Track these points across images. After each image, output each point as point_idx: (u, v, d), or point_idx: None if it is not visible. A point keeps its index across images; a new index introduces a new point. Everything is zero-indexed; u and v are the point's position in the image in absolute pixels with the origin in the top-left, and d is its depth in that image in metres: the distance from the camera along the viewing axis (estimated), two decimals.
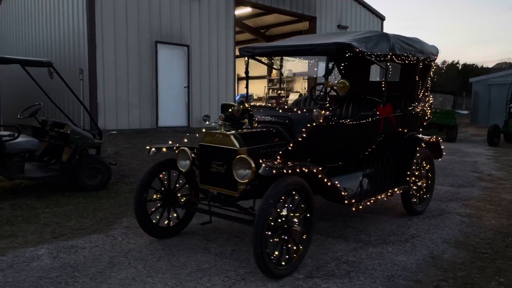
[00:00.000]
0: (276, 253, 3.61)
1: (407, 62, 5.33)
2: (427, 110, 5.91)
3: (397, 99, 5.78)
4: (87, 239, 4.63)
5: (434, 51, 5.83)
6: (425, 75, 5.81)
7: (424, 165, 5.78)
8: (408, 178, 5.27)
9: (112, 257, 4.12)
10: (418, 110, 5.71)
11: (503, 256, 4.39)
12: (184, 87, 13.17)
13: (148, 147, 4.55)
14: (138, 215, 4.41)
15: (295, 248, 3.81)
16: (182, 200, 4.62)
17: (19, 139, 6.01)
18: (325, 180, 4.01)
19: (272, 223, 3.52)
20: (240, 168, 3.78)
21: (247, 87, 5.23)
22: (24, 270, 3.79)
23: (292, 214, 3.70)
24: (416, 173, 5.63)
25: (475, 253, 4.44)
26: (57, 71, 6.30)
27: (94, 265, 3.92)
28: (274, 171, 3.50)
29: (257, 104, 5.07)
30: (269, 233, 3.51)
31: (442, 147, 5.97)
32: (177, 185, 4.72)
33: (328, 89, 4.68)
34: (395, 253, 4.36)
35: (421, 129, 5.98)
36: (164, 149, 4.52)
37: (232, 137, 4.00)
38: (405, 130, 5.64)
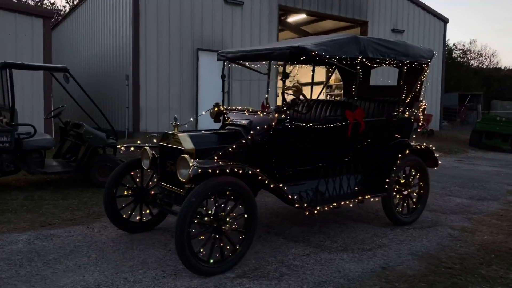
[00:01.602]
0: (202, 250, 3.72)
1: (384, 65, 5.14)
2: (420, 115, 5.62)
3: (383, 103, 5.58)
4: (68, 229, 5.05)
5: (426, 55, 5.52)
6: (415, 80, 5.54)
7: (413, 173, 5.51)
8: (386, 186, 5.07)
9: (76, 246, 4.48)
10: (406, 115, 5.45)
11: (469, 273, 4.09)
12: (224, 92, 13.53)
13: (119, 146, 4.89)
14: (106, 210, 4.73)
15: (230, 247, 3.89)
16: (151, 197, 4.87)
17: (36, 137, 6.68)
18: (266, 182, 4.04)
19: (195, 221, 3.64)
20: (182, 168, 3.94)
21: (223, 90, 5.39)
22: None
23: (223, 214, 3.79)
24: (402, 181, 5.40)
25: (437, 267, 4.19)
26: (72, 76, 6.91)
27: (56, 252, 4.30)
28: (199, 170, 3.63)
29: (233, 107, 5.16)
30: (193, 230, 3.64)
31: (437, 155, 5.64)
32: (150, 183, 4.99)
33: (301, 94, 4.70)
34: (347, 260, 4.25)
35: (414, 135, 5.70)
36: (132, 148, 4.82)
37: (181, 138, 4.18)
38: (396, 136, 5.44)
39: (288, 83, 4.54)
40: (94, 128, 7.31)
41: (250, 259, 4.19)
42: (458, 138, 17.41)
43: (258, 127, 4.49)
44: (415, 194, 5.57)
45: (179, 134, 4.22)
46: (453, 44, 41.21)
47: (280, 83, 4.59)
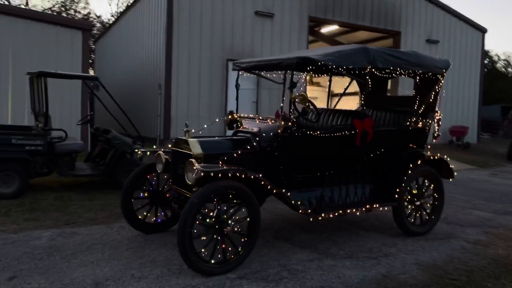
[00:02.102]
0: (203, 250, 3.89)
1: (395, 75, 5.18)
2: (435, 126, 5.59)
3: (399, 114, 5.59)
4: (89, 228, 5.36)
5: (441, 65, 5.50)
6: (429, 90, 5.52)
7: (427, 184, 5.48)
8: (396, 196, 5.08)
9: (93, 244, 4.76)
10: (420, 126, 5.44)
11: (474, 285, 4.05)
12: (253, 102, 13.79)
13: (136, 150, 5.17)
14: (123, 210, 5.00)
15: (233, 249, 4.04)
16: (165, 200, 5.10)
17: (67, 142, 7.12)
18: (269, 187, 4.18)
19: (197, 222, 3.82)
20: (189, 171, 4.14)
21: (237, 98, 5.58)
22: (21, 246, 4.60)
23: (225, 216, 3.95)
24: (414, 192, 5.39)
25: (441, 278, 4.16)
26: (102, 85, 7.32)
27: (74, 248, 4.59)
28: (202, 174, 3.81)
29: (246, 115, 5.34)
30: (195, 231, 3.82)
31: (452, 166, 5.58)
32: (166, 186, 5.23)
33: (307, 103, 4.83)
34: (349, 267, 4.30)
35: (428, 146, 5.67)
36: (148, 153, 5.08)
37: (191, 143, 4.39)
38: (411, 146, 5.45)
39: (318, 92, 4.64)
40: (122, 134, 7.69)
41: (253, 262, 4.32)
42: (497, 151, 16.81)
43: (266, 134, 4.65)
44: (428, 205, 5.52)
45: (190, 140, 4.43)
46: (496, 55, 39.86)
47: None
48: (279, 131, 4.45)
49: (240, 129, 5.16)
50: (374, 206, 4.97)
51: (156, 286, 3.70)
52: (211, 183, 3.86)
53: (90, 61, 28.89)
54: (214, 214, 3.91)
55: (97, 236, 5.06)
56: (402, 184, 5.08)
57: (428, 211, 5.54)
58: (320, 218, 4.57)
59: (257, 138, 4.71)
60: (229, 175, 3.92)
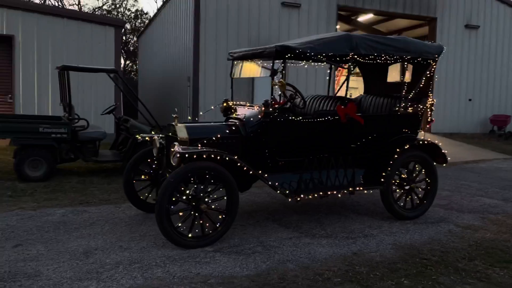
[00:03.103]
0: (180, 224, 4.25)
1: (381, 62, 5.25)
2: (428, 112, 5.60)
3: (397, 99, 5.64)
4: (99, 207, 5.88)
5: (433, 50, 5.49)
6: (420, 76, 5.53)
7: (418, 168, 5.53)
8: (382, 180, 5.19)
9: (97, 220, 5.26)
10: (411, 111, 5.48)
11: (444, 265, 4.14)
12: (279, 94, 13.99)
13: (137, 136, 5.62)
14: (125, 191, 5.46)
15: (211, 225, 4.38)
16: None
17: (89, 130, 7.73)
18: (245, 168, 4.46)
19: (173, 199, 4.18)
20: (172, 154, 4.51)
21: (232, 87, 5.87)
22: (34, 221, 5.18)
23: (202, 194, 4.28)
24: (404, 176, 5.46)
25: (412, 257, 4.28)
26: (121, 77, 7.87)
27: (79, 224, 5.11)
28: (178, 155, 4.16)
29: (238, 102, 5.63)
30: (172, 207, 4.18)
31: (445, 151, 5.58)
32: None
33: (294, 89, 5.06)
34: (323, 245, 4.51)
35: (420, 131, 5.69)
36: (147, 138, 5.50)
37: (177, 128, 4.75)
38: (405, 131, 5.52)
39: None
40: (142, 123, 8.22)
41: (234, 238, 4.64)
42: None
43: (251, 120, 4.92)
44: (420, 189, 5.58)
45: (178, 125, 4.80)
46: None
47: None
48: (260, 116, 4.71)
49: (232, 116, 5.46)
50: (358, 189, 5.12)
51: (137, 256, 4.10)
52: (188, 164, 4.21)
53: (124, 55, 30.25)
54: (191, 192, 4.26)
55: (104, 214, 5.56)
56: (388, 168, 5.18)
57: (420, 195, 5.59)
58: (298, 199, 4.80)
59: (243, 124, 5.00)
60: (204, 156, 4.24)
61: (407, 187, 5.45)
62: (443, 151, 5.55)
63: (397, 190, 5.46)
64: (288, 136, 4.91)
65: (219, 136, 4.81)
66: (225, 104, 5.67)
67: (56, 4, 31.56)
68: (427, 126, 5.74)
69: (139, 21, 36.80)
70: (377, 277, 3.81)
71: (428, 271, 3.99)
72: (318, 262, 4.07)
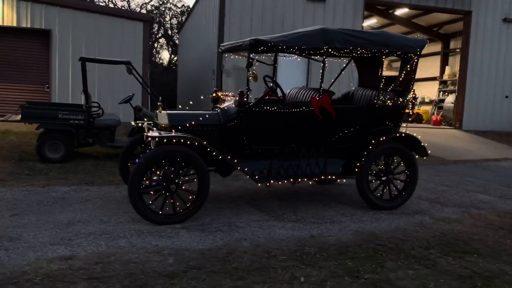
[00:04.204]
0: (150, 202, 4.65)
1: (357, 55, 5.38)
2: (409, 105, 5.66)
3: (387, 93, 5.74)
4: (101, 187, 6.42)
5: (414, 44, 5.53)
6: (400, 69, 5.60)
7: (395, 160, 5.63)
8: (356, 170, 5.35)
9: (93, 198, 5.78)
10: (390, 104, 5.57)
11: (396, 251, 4.29)
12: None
13: (132, 123, 6.10)
14: (120, 173, 5.95)
15: (182, 204, 4.76)
16: None
17: (104, 117, 8.35)
18: (214, 153, 4.79)
19: (145, 179, 4.59)
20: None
21: (220, 80, 6.20)
22: (38, 196, 5.78)
23: (172, 176, 4.67)
24: (381, 167, 5.59)
25: (367, 242, 4.45)
26: (134, 69, 8.38)
27: (76, 200, 5.64)
28: (149, 139, 4.57)
29: (226, 93, 5.96)
30: (143, 185, 4.59)
31: (424, 144, 5.63)
32: None
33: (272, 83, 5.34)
34: (286, 228, 4.77)
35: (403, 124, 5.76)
36: (140, 124, 5.95)
37: (159, 115, 5.16)
38: (387, 123, 5.63)
39: None
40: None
41: (206, 217, 5.01)
42: None
43: (230, 110, 5.24)
44: (398, 181, 5.68)
45: (161, 113, 5.20)
46: None
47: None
48: (234, 105, 5.03)
49: (218, 105, 5.80)
50: (329, 177, 5.31)
51: (111, 228, 4.56)
52: (159, 147, 4.61)
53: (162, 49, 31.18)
54: (161, 173, 4.66)
55: (102, 193, 6.09)
56: (362, 159, 5.34)
57: (398, 187, 5.69)
58: (268, 185, 5.08)
59: (223, 113, 5.33)
60: (174, 140, 4.62)
61: (384, 178, 5.57)
62: (422, 144, 5.61)
63: (373, 181, 5.59)
64: (263, 125, 5.19)
65: (198, 123, 5.17)
66: (214, 95, 6.02)
67: (109, 3, 33.22)
68: (410, 119, 5.80)
69: (185, 17, 37.92)
70: (322, 257, 4.03)
71: (377, 256, 4.15)
72: (272, 242, 4.34)
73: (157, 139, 4.57)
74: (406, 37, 5.62)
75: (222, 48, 6.03)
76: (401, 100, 5.62)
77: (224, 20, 13.30)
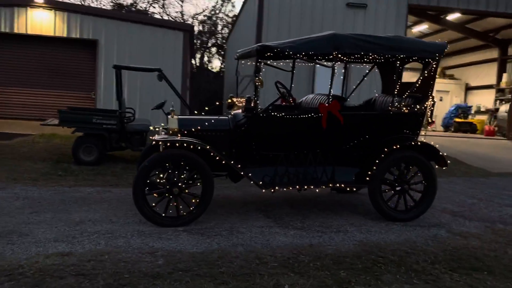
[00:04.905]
0: (154, 204, 4.76)
1: (379, 60, 5.22)
2: (427, 112, 5.39)
3: (406, 99, 5.54)
4: (122, 189, 6.63)
5: (432, 49, 5.27)
6: (420, 75, 5.35)
7: (411, 169, 5.39)
8: (368, 178, 5.18)
9: (111, 199, 6.00)
10: (406, 111, 5.34)
11: (397, 264, 4.10)
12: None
13: (151, 127, 6.28)
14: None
15: (186, 208, 4.84)
16: None
17: (135, 122, 8.67)
18: (217, 158, 4.82)
19: (148, 180, 4.71)
20: None
21: (236, 86, 6.24)
22: (62, 195, 6.08)
23: (175, 179, 4.76)
24: (395, 177, 5.37)
25: (368, 253, 4.28)
26: (165, 76, 8.64)
27: (94, 200, 5.88)
28: (153, 142, 4.69)
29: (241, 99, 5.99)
30: (147, 188, 4.71)
31: (443, 153, 5.34)
32: None
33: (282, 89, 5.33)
34: (287, 235, 4.70)
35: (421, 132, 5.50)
36: (157, 129, 6.12)
37: (170, 120, 5.29)
38: (405, 131, 5.42)
39: None
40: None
41: (211, 221, 5.05)
42: None
43: (239, 115, 5.28)
44: (414, 191, 5.42)
45: (171, 117, 5.33)
46: None
47: None
48: (240, 111, 5.05)
49: (232, 111, 5.85)
50: (338, 185, 5.18)
51: (116, 228, 4.72)
52: (162, 151, 4.72)
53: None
54: (164, 176, 4.76)
55: (122, 195, 6.32)
56: (373, 168, 5.16)
57: (414, 198, 5.43)
58: (272, 191, 5.03)
59: (233, 118, 5.37)
60: (177, 144, 4.71)
61: (398, 188, 5.35)
62: (441, 153, 5.33)
63: (386, 191, 5.38)
64: (270, 131, 5.16)
65: (207, 128, 5.25)
66: (229, 101, 6.07)
67: (163, 14, 34.60)
68: (429, 127, 5.54)
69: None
70: (315, 266, 3.93)
71: (375, 268, 3.99)
72: (268, 248, 4.30)
73: (160, 142, 4.69)
74: (423, 42, 5.39)
75: (237, 54, 6.08)
76: (418, 107, 5.38)
77: (261, 28, 13.42)
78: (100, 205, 5.64)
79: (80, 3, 31.25)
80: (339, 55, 5.08)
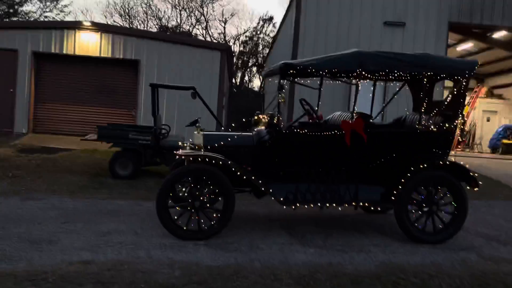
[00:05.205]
0: (176, 217, 4.86)
1: (394, 77, 5.12)
2: (456, 130, 5.22)
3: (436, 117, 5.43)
4: (147, 202, 6.73)
5: (462, 66, 5.13)
6: (455, 93, 5.22)
7: (439, 190, 5.21)
8: (393, 198, 5.06)
9: (141, 212, 6.16)
10: (435, 130, 5.20)
11: (417, 286, 3.96)
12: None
13: (179, 142, 6.46)
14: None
15: (208, 222, 4.91)
16: None
17: (169, 138, 8.91)
18: (239, 173, 4.88)
19: (171, 194, 4.82)
20: None
21: (263, 102, 6.31)
22: (95, 207, 6.29)
23: (197, 194, 4.85)
24: (423, 197, 5.21)
25: (389, 275, 4.16)
26: (198, 94, 8.85)
27: (125, 213, 6.07)
28: (176, 157, 4.82)
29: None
30: (170, 201, 4.83)
31: (474, 174, 5.14)
32: None
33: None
34: (307, 254, 4.66)
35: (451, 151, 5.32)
36: (184, 144, 6.28)
37: (195, 136, 5.42)
38: (434, 150, 5.28)
39: None
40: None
41: (233, 236, 5.09)
42: None
43: (262, 132, 5.34)
44: (443, 213, 5.23)
45: (197, 133, 5.46)
46: None
47: None
48: (262, 127, 5.10)
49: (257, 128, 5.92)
50: (361, 204, 5.08)
51: (140, 240, 4.83)
52: (184, 166, 4.84)
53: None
54: (186, 191, 4.87)
55: (150, 208, 6.40)
56: (399, 187, 5.03)
57: (443, 219, 5.24)
58: (293, 207, 5.01)
59: (257, 135, 5.44)
60: (199, 159, 4.82)
61: (425, 209, 5.18)
62: (471, 173, 5.13)
63: (413, 211, 5.22)
64: (293, 148, 5.17)
65: (231, 144, 5.34)
66: (256, 118, 6.15)
67: (206, 35, 35.72)
68: (459, 146, 5.35)
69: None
70: (331, 285, 3.88)
71: None
72: (286, 265, 4.27)
73: (183, 157, 4.82)
74: (452, 59, 5.28)
75: (263, 73, 6.18)
76: (447, 125, 5.23)
77: (297, 47, 13.54)
78: (129, 218, 5.82)
79: (127, 26, 32.79)
80: (363, 73, 5.06)
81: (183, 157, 4.83)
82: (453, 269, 4.43)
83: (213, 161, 4.84)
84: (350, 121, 5.10)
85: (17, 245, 4.46)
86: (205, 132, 5.50)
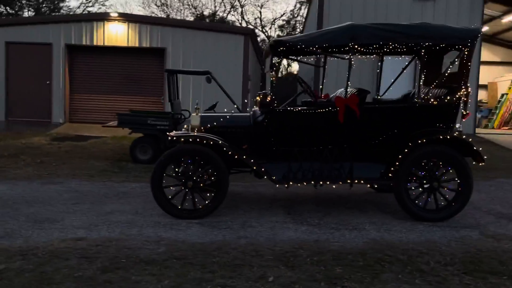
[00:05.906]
0: (170, 197, 4.97)
1: (391, 49, 4.89)
2: (459, 103, 4.95)
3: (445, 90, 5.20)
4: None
5: (463, 35, 4.82)
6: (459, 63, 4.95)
7: (440, 166, 5.00)
8: (390, 175, 4.91)
9: (149, 193, 6.37)
10: (435, 103, 4.96)
11: (404, 264, 3.86)
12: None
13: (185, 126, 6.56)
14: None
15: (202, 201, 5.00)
16: None
17: (185, 123, 9.06)
18: (230, 153, 4.90)
19: (164, 174, 4.93)
20: None
21: (264, 83, 6.25)
22: (109, 189, 6.55)
23: (190, 173, 4.93)
24: (424, 173, 5.03)
25: (375, 252, 4.08)
26: (214, 78, 8.93)
27: (134, 194, 6.27)
28: (169, 138, 4.91)
29: None
30: (164, 181, 4.94)
31: (478, 148, 4.87)
32: None
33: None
34: (297, 231, 4.63)
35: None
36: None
37: (192, 117, 5.49)
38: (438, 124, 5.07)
39: None
40: None
41: (228, 215, 5.15)
42: None
43: (257, 111, 5.33)
44: (446, 189, 5.02)
45: (194, 115, 5.53)
46: None
47: None
48: (256, 107, 5.09)
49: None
50: (356, 182, 4.97)
51: (137, 219, 5.00)
52: (177, 146, 4.92)
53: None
54: (179, 170, 4.96)
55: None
56: (396, 163, 4.88)
57: (447, 196, 5.03)
58: (286, 186, 4.98)
59: (253, 115, 5.43)
60: (190, 140, 4.89)
61: (426, 186, 4.99)
62: (475, 148, 4.87)
63: (413, 188, 5.05)
64: (287, 126, 5.12)
65: (228, 125, 5.37)
66: (258, 98, 6.13)
67: (241, 21, 35.69)
68: (463, 119, 5.09)
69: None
70: (311, 261, 3.85)
71: (377, 266, 3.80)
72: (270, 242, 4.28)
73: (174, 138, 4.90)
74: (451, 27, 4.98)
75: (264, 53, 6.13)
76: (448, 98, 4.98)
77: (322, 23, 13.24)
78: (135, 199, 6.01)
79: (164, 17, 33.32)
80: (356, 46, 4.90)
81: (174, 138, 4.92)
82: (447, 247, 4.27)
83: (204, 142, 4.89)
84: (342, 97, 4.97)
85: (22, 224, 4.74)
86: (202, 114, 5.55)
